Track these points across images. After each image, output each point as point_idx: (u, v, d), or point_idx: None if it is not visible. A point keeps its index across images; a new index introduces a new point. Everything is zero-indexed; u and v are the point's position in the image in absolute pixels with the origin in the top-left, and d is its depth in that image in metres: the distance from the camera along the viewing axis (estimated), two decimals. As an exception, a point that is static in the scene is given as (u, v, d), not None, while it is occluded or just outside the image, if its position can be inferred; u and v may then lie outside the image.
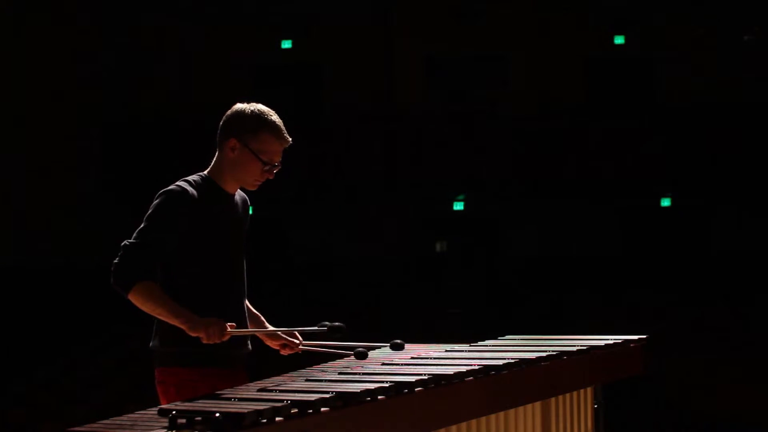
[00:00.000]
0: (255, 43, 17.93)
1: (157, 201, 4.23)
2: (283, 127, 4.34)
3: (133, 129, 17.76)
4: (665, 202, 17.47)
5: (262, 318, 4.65)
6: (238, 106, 4.36)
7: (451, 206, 17.57)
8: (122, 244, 4.16)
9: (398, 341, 4.56)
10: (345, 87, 18.07)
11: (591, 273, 17.07)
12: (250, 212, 4.60)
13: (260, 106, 4.35)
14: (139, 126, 17.81)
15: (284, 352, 4.63)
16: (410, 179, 17.41)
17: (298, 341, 4.63)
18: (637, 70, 18.27)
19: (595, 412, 5.10)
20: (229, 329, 4.12)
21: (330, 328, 4.31)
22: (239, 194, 4.48)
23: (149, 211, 4.22)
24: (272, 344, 4.64)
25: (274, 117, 4.33)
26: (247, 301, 4.60)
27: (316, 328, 4.37)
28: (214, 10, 17.82)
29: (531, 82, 17.93)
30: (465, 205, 17.58)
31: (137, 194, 17.21)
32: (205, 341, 4.09)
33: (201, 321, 4.09)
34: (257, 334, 4.55)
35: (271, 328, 4.62)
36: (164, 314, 4.12)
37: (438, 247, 18.63)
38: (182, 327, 4.10)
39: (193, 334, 4.08)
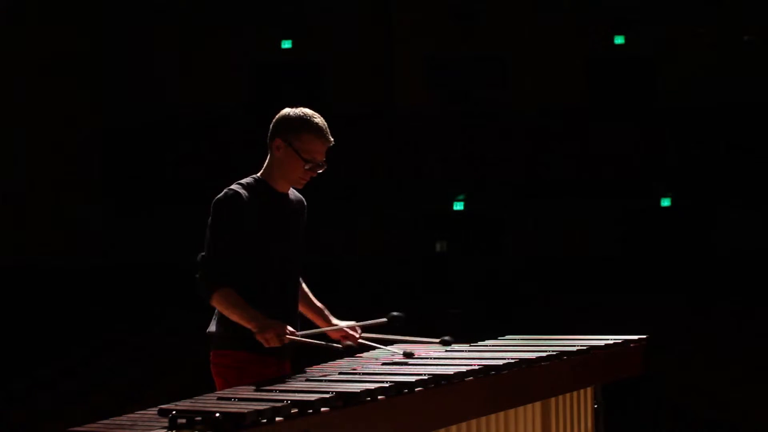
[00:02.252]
0: (255, 43, 17.92)
1: (215, 211, 4.45)
2: (326, 128, 4.56)
3: (133, 129, 17.74)
4: (665, 202, 17.47)
5: (327, 312, 4.85)
6: (286, 109, 4.59)
7: (451, 206, 17.57)
8: (197, 258, 4.43)
9: (447, 338, 4.89)
10: (345, 86, 18.06)
11: (591, 273, 17.06)
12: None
13: (305, 109, 4.58)
14: (139, 126, 17.79)
15: (345, 343, 4.75)
16: (410, 179, 17.40)
17: (357, 334, 4.79)
18: (637, 70, 18.27)
19: (595, 412, 5.10)
20: (288, 336, 4.31)
21: (390, 318, 4.68)
22: (294, 194, 4.71)
23: (211, 222, 4.44)
24: (333, 335, 4.81)
25: (318, 119, 4.55)
26: (311, 294, 4.87)
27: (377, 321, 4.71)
28: (214, 10, 17.81)
29: (531, 82, 17.92)
30: (465, 205, 17.58)
31: (137, 195, 17.29)
32: (265, 345, 4.30)
33: (264, 325, 4.29)
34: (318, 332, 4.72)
35: (335, 321, 4.82)
36: (240, 320, 4.35)
37: (438, 247, 18.62)
38: (254, 331, 4.32)
39: (259, 338, 4.31)
